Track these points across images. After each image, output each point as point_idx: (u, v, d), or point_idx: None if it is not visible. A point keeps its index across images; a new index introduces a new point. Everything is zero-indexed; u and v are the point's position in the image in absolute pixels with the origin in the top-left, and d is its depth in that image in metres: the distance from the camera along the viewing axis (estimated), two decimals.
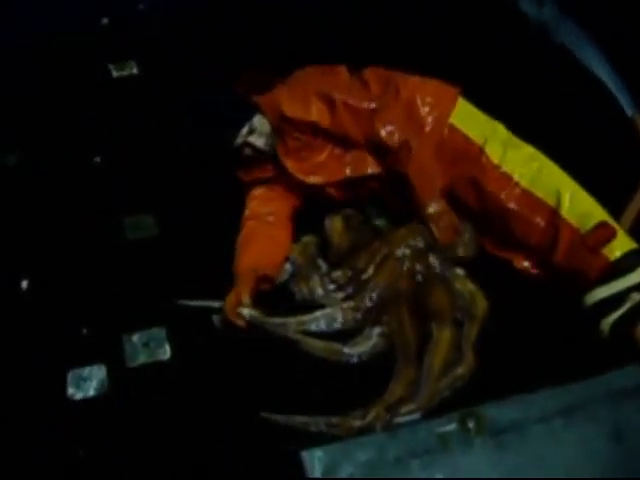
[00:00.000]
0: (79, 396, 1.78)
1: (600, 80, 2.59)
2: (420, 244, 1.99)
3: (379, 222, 2.16)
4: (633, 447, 1.66)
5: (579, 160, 2.29)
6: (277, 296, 1.98)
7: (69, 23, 2.79)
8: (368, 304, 1.90)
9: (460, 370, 1.78)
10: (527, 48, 2.64)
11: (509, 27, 2.73)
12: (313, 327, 1.86)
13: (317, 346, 1.84)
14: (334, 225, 2.12)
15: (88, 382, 1.80)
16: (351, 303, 1.91)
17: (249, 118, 2.05)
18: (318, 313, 1.88)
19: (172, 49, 2.80)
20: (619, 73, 2.58)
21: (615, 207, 2.12)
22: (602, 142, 2.40)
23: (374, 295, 1.91)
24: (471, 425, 1.67)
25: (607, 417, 1.70)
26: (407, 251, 1.98)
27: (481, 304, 1.90)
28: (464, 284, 1.94)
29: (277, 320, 1.85)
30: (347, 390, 1.75)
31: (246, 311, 1.84)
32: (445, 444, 1.64)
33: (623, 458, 1.64)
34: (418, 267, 1.96)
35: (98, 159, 2.43)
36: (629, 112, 2.49)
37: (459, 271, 1.97)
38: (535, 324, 1.89)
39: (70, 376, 1.81)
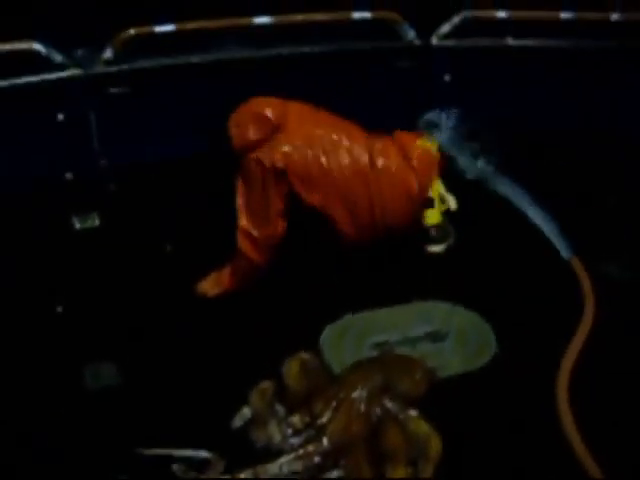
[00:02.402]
0: None
1: (537, 227, 2.79)
2: (375, 385, 2.07)
3: None
4: None
5: (521, 301, 2.45)
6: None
7: (35, 180, 2.93)
8: (326, 448, 1.95)
9: None
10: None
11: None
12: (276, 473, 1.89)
13: None
14: (291, 370, 2.19)
15: None
16: (309, 448, 1.95)
17: None
18: (281, 461, 1.91)
19: (132, 201, 2.95)
20: (553, 220, 2.79)
21: (557, 346, 2.25)
22: (542, 284, 2.57)
23: (331, 439, 1.96)
24: None
25: None
26: (363, 394, 2.05)
27: (435, 444, 1.95)
28: (418, 425, 2.00)
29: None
30: None
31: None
32: None
33: None
34: (374, 409, 2.02)
35: (60, 309, 2.49)
36: (565, 255, 2.68)
37: (412, 412, 2.04)
38: (488, 456, 1.95)
39: None
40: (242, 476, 1.87)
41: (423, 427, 1.99)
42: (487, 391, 2.18)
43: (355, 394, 2.03)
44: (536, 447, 1.98)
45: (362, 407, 2.01)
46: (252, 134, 2.55)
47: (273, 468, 1.90)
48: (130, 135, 3.11)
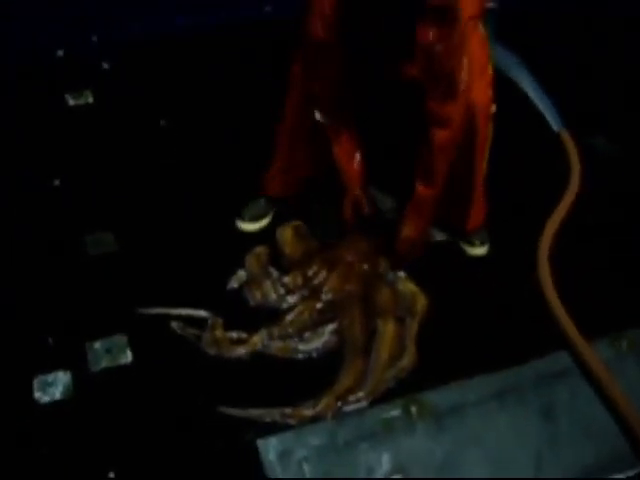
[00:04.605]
0: (46, 399, 1.87)
1: (529, 99, 2.81)
2: (367, 248, 2.16)
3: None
4: (560, 425, 1.82)
5: (510, 171, 2.50)
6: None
7: (27, 56, 2.92)
8: (323, 305, 2.05)
9: (404, 362, 1.93)
10: None
11: None
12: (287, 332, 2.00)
13: (273, 346, 1.98)
14: (284, 236, 2.28)
15: (54, 387, 1.89)
16: (308, 305, 2.05)
17: None
18: (287, 319, 2.03)
19: (125, 79, 2.95)
20: (546, 92, 2.80)
21: (542, 217, 2.33)
22: (531, 154, 2.61)
23: (328, 296, 2.06)
24: (413, 410, 1.82)
25: (536, 399, 1.87)
26: (356, 255, 2.14)
27: (421, 302, 2.07)
28: (405, 285, 2.11)
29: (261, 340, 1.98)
30: (299, 383, 1.88)
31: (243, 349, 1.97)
32: (390, 428, 1.79)
33: (550, 436, 1.80)
34: (366, 269, 2.12)
35: (57, 182, 2.54)
36: (555, 128, 2.71)
37: (400, 273, 2.14)
38: (470, 318, 2.06)
39: (36, 382, 1.90)
40: (257, 337, 1.98)
41: (410, 286, 2.10)
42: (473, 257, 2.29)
43: (349, 256, 2.13)
44: (517, 309, 2.09)
45: (356, 267, 2.10)
46: None
47: (283, 327, 2.01)
48: (123, 10, 3.07)
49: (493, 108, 2.09)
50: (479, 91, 2.00)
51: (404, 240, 2.13)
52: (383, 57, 1.92)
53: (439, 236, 2.30)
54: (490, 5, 2.66)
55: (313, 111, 2.08)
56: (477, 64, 1.98)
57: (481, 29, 2.04)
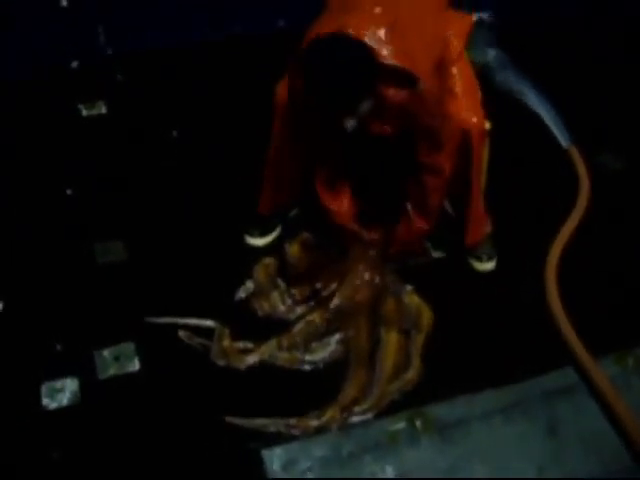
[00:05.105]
0: (53, 406, 1.89)
1: (538, 116, 2.82)
2: (375, 259, 2.17)
3: None
4: (564, 440, 1.82)
5: (519, 187, 2.52)
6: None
7: (42, 67, 2.96)
8: (332, 315, 2.07)
9: (409, 375, 1.94)
10: None
11: None
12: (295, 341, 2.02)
13: (280, 357, 1.99)
14: (292, 248, 2.29)
15: (62, 393, 1.91)
16: (317, 315, 2.07)
17: None
18: (296, 328, 2.04)
19: (138, 90, 2.98)
20: (555, 109, 2.81)
21: (550, 232, 2.33)
22: (540, 170, 2.62)
23: (336, 307, 2.08)
24: (418, 423, 1.83)
25: (542, 415, 1.87)
26: (365, 266, 2.15)
27: (426, 316, 2.08)
28: (411, 298, 2.12)
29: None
30: (304, 393, 1.89)
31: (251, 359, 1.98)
32: (395, 440, 1.79)
33: (554, 452, 1.80)
34: (375, 278, 2.14)
35: (70, 191, 2.56)
36: (564, 144, 2.72)
37: (407, 287, 2.15)
38: (476, 332, 2.06)
39: (45, 388, 1.92)
40: (264, 347, 2.00)
41: (415, 299, 2.12)
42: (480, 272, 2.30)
43: (358, 266, 2.14)
44: (523, 324, 2.09)
45: (366, 276, 2.11)
46: None
47: (291, 337, 2.02)
48: (136, 22, 3.10)
49: (487, 125, 2.10)
50: (469, 112, 2.03)
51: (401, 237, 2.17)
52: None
53: (436, 254, 2.30)
54: (485, 17, 2.70)
55: (296, 141, 2.13)
56: (463, 86, 2.03)
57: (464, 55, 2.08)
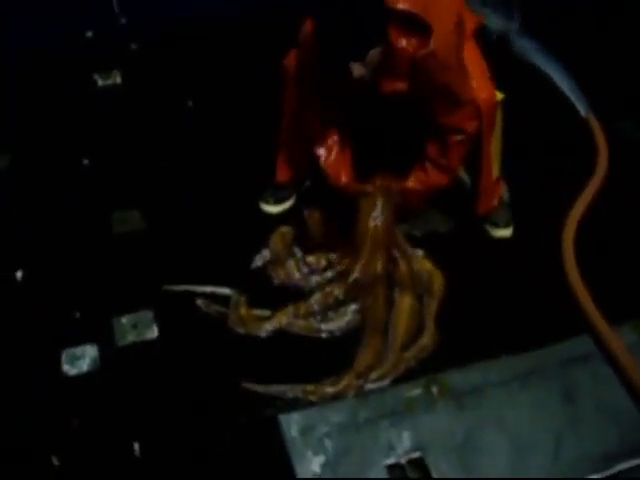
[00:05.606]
0: (73, 372, 1.91)
1: (556, 85, 2.79)
2: (385, 220, 2.14)
3: None
4: (581, 408, 1.82)
5: (537, 156, 2.50)
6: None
7: (57, 37, 2.95)
8: (349, 285, 2.06)
9: (424, 340, 1.94)
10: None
11: None
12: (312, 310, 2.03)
13: (297, 324, 2.00)
14: (312, 217, 2.29)
15: (82, 360, 1.93)
16: (335, 287, 2.07)
17: None
18: (314, 298, 2.05)
19: (153, 60, 2.98)
20: (573, 77, 2.78)
21: (569, 200, 2.32)
22: (559, 139, 2.60)
23: (355, 280, 2.07)
24: (434, 390, 1.83)
25: (559, 382, 1.87)
26: (381, 234, 2.12)
27: (438, 281, 2.08)
28: (422, 264, 2.12)
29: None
30: (322, 360, 1.90)
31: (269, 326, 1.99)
32: (411, 407, 1.80)
33: (571, 419, 1.80)
34: (391, 248, 2.12)
35: (86, 161, 2.57)
36: (582, 112, 2.69)
37: (418, 252, 2.15)
38: (493, 299, 2.06)
39: (65, 355, 1.94)
40: (281, 314, 2.01)
41: (427, 265, 2.11)
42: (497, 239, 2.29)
43: (374, 235, 2.12)
44: (540, 291, 2.09)
45: (381, 246, 2.10)
46: None
47: (309, 305, 2.03)
48: None
49: (499, 96, 2.08)
50: (479, 85, 2.01)
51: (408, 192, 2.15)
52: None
53: (442, 228, 2.30)
54: None
55: (306, 107, 2.13)
56: (472, 64, 2.00)
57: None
